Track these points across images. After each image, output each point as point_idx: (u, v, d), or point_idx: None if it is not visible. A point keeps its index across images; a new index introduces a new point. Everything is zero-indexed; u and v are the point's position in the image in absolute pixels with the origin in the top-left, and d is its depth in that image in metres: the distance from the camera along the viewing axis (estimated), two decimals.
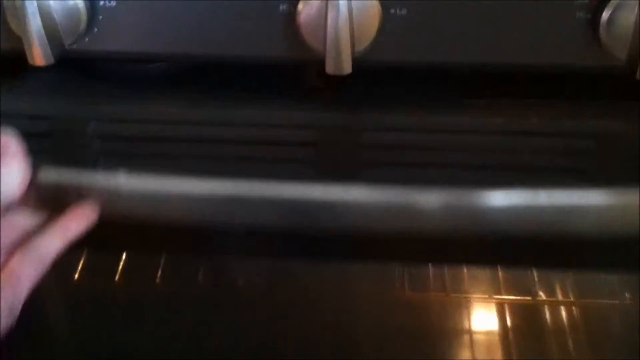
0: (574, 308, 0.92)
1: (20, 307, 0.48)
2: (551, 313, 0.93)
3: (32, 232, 0.50)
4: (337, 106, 0.50)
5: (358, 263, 0.75)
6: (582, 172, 0.51)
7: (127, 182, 0.50)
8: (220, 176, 0.50)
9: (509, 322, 0.94)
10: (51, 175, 0.49)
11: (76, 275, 0.92)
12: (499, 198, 0.48)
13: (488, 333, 0.94)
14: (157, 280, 0.95)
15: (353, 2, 0.45)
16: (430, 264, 0.84)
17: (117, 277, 0.94)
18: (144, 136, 0.52)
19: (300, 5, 0.47)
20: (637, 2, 0.45)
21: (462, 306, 0.96)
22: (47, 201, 0.50)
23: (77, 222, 0.50)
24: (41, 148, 0.50)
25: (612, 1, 0.46)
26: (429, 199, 0.49)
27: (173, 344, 0.92)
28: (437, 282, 0.94)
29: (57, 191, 0.50)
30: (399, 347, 0.90)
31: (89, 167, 0.52)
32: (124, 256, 0.94)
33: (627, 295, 0.77)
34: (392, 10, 0.46)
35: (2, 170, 0.47)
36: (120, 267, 0.94)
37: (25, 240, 0.49)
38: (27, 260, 0.48)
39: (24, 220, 0.51)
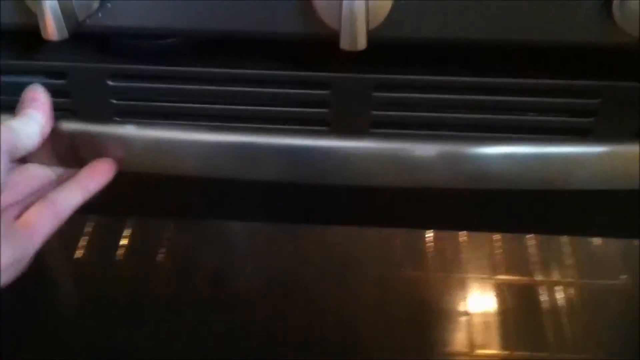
0: (571, 289, 0.94)
1: (31, 256, 0.49)
2: (549, 294, 0.95)
3: (49, 184, 0.52)
4: (348, 68, 0.51)
5: (360, 225, 0.75)
6: (586, 130, 0.53)
7: (138, 132, 0.52)
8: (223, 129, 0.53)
9: (507, 303, 0.96)
10: (69, 127, 0.51)
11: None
12: (496, 149, 0.51)
13: (485, 314, 0.97)
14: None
15: None
16: (432, 229, 0.85)
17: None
18: (159, 94, 0.54)
19: None
20: None
21: (462, 287, 0.99)
22: (66, 154, 0.51)
23: (96, 178, 0.52)
24: (59, 105, 0.53)
25: None
26: (430, 150, 0.51)
27: (173, 344, 0.92)
28: (437, 263, 0.96)
29: (74, 143, 0.51)
30: (400, 330, 0.93)
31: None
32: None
33: (624, 276, 0.78)
34: None
35: (25, 119, 0.48)
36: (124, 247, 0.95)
37: (43, 191, 0.50)
38: (44, 212, 0.49)
39: (43, 171, 0.52)
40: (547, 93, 0.52)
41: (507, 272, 0.99)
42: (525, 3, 0.47)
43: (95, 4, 0.48)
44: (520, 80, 0.51)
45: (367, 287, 0.97)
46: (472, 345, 0.95)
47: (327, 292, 0.95)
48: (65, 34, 0.47)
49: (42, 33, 0.47)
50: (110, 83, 0.53)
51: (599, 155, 0.51)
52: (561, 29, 0.48)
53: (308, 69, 0.52)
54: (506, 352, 0.94)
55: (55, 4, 0.46)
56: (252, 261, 0.97)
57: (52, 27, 0.47)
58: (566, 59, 0.51)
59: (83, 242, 0.94)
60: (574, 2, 0.47)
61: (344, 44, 0.46)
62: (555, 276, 0.97)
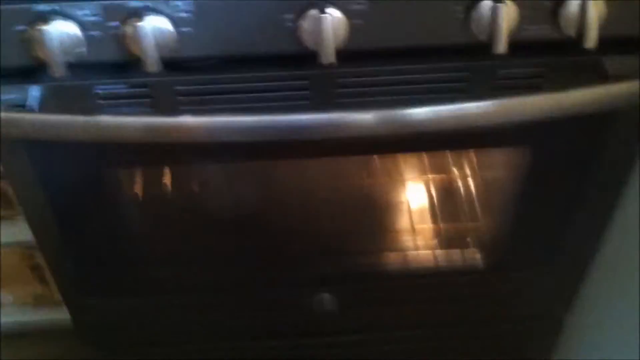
0: (478, 180, 1.19)
1: None
2: (462, 185, 1.23)
3: None
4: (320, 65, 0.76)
5: (324, 157, 1.00)
6: (463, 90, 0.84)
7: (193, 120, 0.80)
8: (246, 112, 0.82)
9: (434, 194, 1.25)
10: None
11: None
12: (416, 111, 0.80)
13: (420, 203, 1.26)
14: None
15: (334, 17, 0.77)
16: (377, 154, 1.14)
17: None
18: (207, 92, 0.83)
19: (300, 19, 0.78)
20: (492, 5, 0.78)
21: (401, 186, 1.26)
22: None
23: None
24: (142, 104, 0.82)
25: (477, 5, 0.78)
26: (372, 115, 0.80)
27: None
28: (383, 170, 1.23)
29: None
30: (357, 217, 1.20)
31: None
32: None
33: (513, 169, 1.00)
34: (354, 21, 0.79)
35: None
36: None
37: None
38: None
39: None
40: (439, 70, 0.84)
41: (432, 171, 1.24)
42: (418, 18, 0.78)
43: (173, 44, 0.79)
44: (423, 66, 0.85)
45: (331, 195, 1.18)
46: (412, 223, 1.24)
47: (303, 205, 1.17)
48: (160, 67, 0.78)
49: (147, 68, 0.78)
50: (178, 88, 0.84)
51: (475, 106, 0.82)
52: (436, 36, 0.80)
53: (294, 68, 0.83)
54: (436, 225, 1.26)
55: (154, 47, 0.77)
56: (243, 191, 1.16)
57: (152, 62, 0.78)
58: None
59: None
60: (444, 18, 0.79)
61: (322, 60, 0.78)
62: (466, 172, 1.21)
